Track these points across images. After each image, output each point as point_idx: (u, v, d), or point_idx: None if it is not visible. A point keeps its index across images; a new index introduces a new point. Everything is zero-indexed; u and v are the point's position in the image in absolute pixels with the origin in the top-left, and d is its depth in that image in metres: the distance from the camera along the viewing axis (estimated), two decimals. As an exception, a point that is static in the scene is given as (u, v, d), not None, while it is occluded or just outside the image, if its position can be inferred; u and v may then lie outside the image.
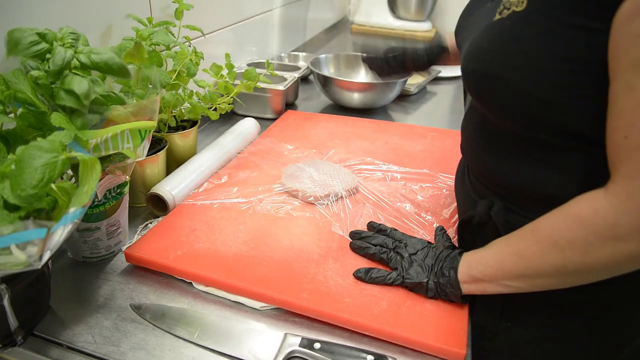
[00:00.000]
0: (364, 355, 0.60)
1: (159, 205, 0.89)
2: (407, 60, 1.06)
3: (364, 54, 1.11)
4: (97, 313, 0.67)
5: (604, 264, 0.55)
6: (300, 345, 0.61)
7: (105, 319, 0.66)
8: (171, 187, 0.88)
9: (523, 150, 0.64)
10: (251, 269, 0.72)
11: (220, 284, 0.70)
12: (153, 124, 0.70)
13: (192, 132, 1.00)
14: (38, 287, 0.64)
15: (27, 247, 0.50)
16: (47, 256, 0.52)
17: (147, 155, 0.87)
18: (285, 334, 0.63)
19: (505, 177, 0.68)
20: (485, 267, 0.64)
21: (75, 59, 0.62)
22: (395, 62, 1.07)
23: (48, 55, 0.62)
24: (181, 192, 0.89)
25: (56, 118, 0.56)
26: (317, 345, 0.60)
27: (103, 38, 0.90)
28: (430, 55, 1.05)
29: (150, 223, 0.86)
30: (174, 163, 0.99)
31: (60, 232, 0.53)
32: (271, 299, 0.67)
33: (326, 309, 0.65)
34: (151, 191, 0.87)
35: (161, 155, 0.92)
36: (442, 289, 0.67)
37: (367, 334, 0.64)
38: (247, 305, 0.69)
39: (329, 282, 0.70)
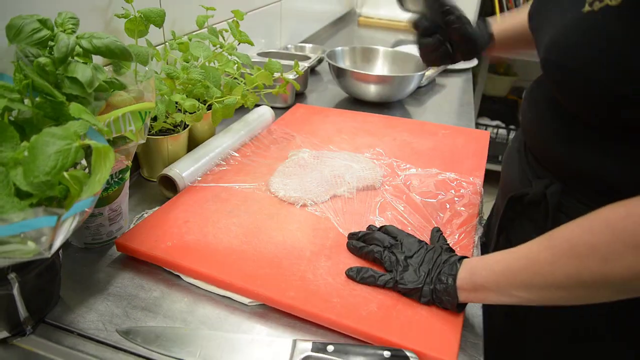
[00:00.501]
0: (380, 352, 0.58)
1: (169, 186, 0.91)
2: (461, 41, 0.92)
3: (417, 19, 0.95)
4: (107, 301, 0.68)
5: (622, 276, 0.51)
6: (313, 350, 0.59)
7: (115, 307, 0.66)
8: (182, 169, 0.90)
9: (598, 140, 0.62)
10: (240, 264, 0.71)
11: (208, 277, 0.70)
12: (152, 104, 0.70)
13: (210, 114, 1.01)
14: (48, 276, 0.64)
15: (37, 235, 0.50)
16: (57, 245, 0.52)
17: (172, 134, 0.93)
18: (294, 341, 0.60)
19: (572, 163, 0.66)
20: (489, 272, 0.61)
21: (77, 45, 0.63)
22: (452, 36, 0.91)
23: (51, 43, 0.62)
24: (192, 174, 0.91)
25: (75, 109, 0.56)
26: (330, 348, 0.58)
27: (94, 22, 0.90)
28: (482, 42, 0.94)
29: (146, 213, 0.86)
30: (192, 143, 1.02)
31: (71, 221, 0.53)
32: (257, 295, 0.67)
33: (312, 309, 0.64)
34: (162, 172, 0.89)
35: (183, 134, 0.95)
36: (438, 295, 0.65)
37: (353, 336, 0.63)
38: (235, 300, 0.69)
39: (318, 280, 0.69)
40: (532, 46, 0.92)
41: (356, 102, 1.42)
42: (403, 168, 0.99)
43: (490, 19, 0.98)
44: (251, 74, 1.06)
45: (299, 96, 1.46)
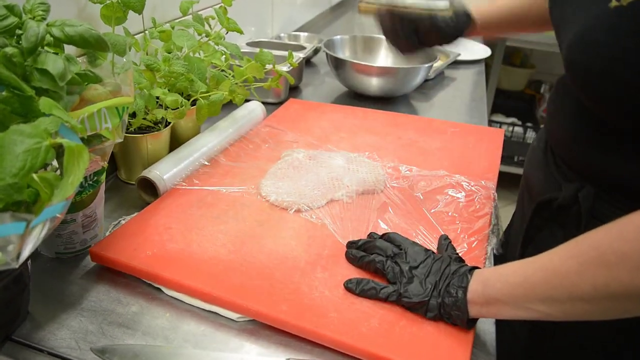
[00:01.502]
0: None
1: (149, 189, 0.91)
2: (430, 27, 1.00)
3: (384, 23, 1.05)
4: (80, 316, 0.68)
5: None
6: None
7: (90, 323, 0.67)
8: (163, 171, 0.90)
9: (631, 144, 0.63)
10: (227, 276, 0.71)
11: (192, 290, 0.70)
12: (130, 99, 0.70)
13: (194, 110, 1.02)
14: (15, 289, 0.64)
15: (3, 244, 0.50)
16: (25, 254, 0.52)
17: (153, 132, 0.93)
18: (288, 360, 0.61)
19: (605, 168, 0.67)
20: (504, 284, 0.61)
21: (48, 34, 0.63)
22: (409, 29, 1.01)
23: (18, 31, 0.62)
24: (174, 176, 0.91)
25: (45, 104, 0.56)
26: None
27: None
28: (458, 24, 1.00)
29: (123, 219, 0.87)
30: (175, 142, 1.03)
31: (41, 228, 0.53)
32: (246, 309, 0.67)
33: (306, 324, 0.64)
34: (141, 175, 0.89)
35: (165, 132, 0.96)
36: (446, 310, 0.65)
37: (352, 355, 0.63)
38: (222, 316, 0.69)
39: (313, 293, 0.69)
40: (520, 28, 0.98)
41: (356, 97, 1.43)
42: (408, 170, 1.00)
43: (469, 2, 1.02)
44: (240, 66, 1.07)
45: (293, 90, 1.46)
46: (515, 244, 0.90)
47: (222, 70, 1.07)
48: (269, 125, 1.16)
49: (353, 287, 0.70)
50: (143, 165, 0.95)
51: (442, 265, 0.69)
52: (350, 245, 0.78)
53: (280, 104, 1.33)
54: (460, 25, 1.01)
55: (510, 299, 0.60)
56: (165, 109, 0.94)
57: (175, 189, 0.90)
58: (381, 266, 0.71)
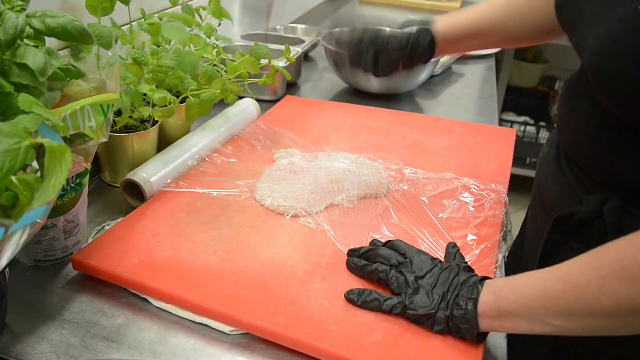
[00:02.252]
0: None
1: (136, 193, 0.91)
2: (383, 53, 1.01)
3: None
4: (62, 329, 0.68)
5: None
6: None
7: (72, 336, 0.67)
8: (150, 173, 0.90)
9: None
10: (220, 286, 0.72)
11: (182, 301, 0.70)
12: (116, 96, 0.71)
13: (184, 109, 1.02)
14: None
15: None
16: (3, 263, 0.52)
17: (139, 131, 0.94)
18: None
19: (631, 177, 0.67)
20: (519, 296, 0.61)
21: (27, 26, 0.63)
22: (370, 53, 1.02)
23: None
24: (162, 179, 0.92)
25: (25, 101, 0.56)
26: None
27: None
28: (415, 47, 1.00)
29: (108, 225, 0.87)
30: (163, 142, 1.03)
31: (20, 235, 0.53)
32: (239, 322, 0.67)
33: (305, 338, 0.65)
34: (127, 177, 0.90)
35: (153, 132, 0.96)
36: (455, 323, 0.65)
37: (353, 371, 0.64)
38: (214, 329, 0.69)
39: (312, 305, 0.70)
40: (486, 44, 1.00)
41: (358, 95, 1.43)
42: (413, 173, 1.00)
43: (437, 19, 1.02)
44: (234, 61, 1.07)
45: (291, 87, 1.47)
46: (529, 257, 0.89)
47: (214, 65, 1.07)
48: (265, 124, 1.16)
49: (355, 299, 0.70)
50: (129, 167, 0.95)
51: (451, 275, 0.69)
52: (352, 253, 0.78)
53: (276, 101, 1.34)
54: (420, 49, 1.01)
55: (526, 313, 0.60)
56: (153, 107, 0.94)
57: (164, 192, 0.91)
58: (385, 276, 0.72)
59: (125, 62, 0.90)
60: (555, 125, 0.91)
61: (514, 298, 0.62)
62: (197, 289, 0.71)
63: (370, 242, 0.80)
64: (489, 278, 0.68)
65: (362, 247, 0.78)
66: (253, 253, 0.78)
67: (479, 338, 0.65)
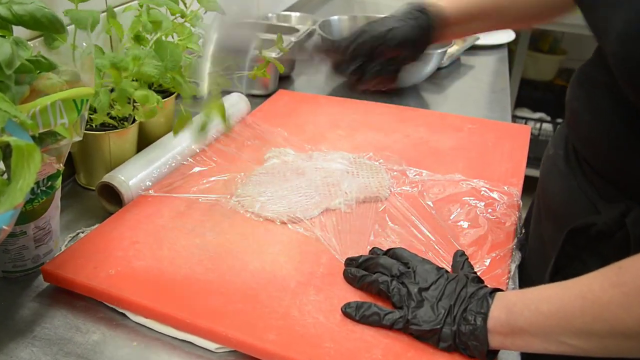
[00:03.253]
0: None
1: (113, 197, 0.91)
2: (381, 50, 0.92)
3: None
4: (32, 346, 0.68)
5: None
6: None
7: (43, 354, 0.67)
8: (128, 175, 0.90)
9: None
10: (204, 298, 0.72)
11: (163, 316, 0.70)
12: (90, 90, 0.70)
13: (168, 103, 1.02)
14: None
15: None
16: None
17: (117, 129, 0.93)
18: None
19: None
20: (533, 312, 0.61)
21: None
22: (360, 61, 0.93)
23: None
24: (142, 182, 0.92)
25: None
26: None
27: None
28: (417, 33, 0.92)
29: (82, 232, 0.87)
30: (144, 141, 1.03)
31: None
32: (226, 338, 0.67)
33: (297, 356, 0.65)
34: (103, 180, 0.89)
35: (132, 130, 0.96)
36: (462, 340, 0.65)
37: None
38: (198, 346, 0.69)
39: (306, 319, 0.69)
40: (490, 25, 0.96)
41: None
42: (417, 174, 1.00)
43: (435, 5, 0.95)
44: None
45: (284, 80, 1.47)
46: (533, 267, 0.89)
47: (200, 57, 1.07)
48: (255, 121, 1.16)
49: (352, 312, 0.70)
50: (105, 169, 0.95)
51: (458, 286, 0.69)
52: (350, 262, 0.78)
53: (267, 96, 1.34)
54: (423, 32, 0.93)
55: (541, 331, 0.60)
56: (133, 105, 0.94)
57: (143, 196, 0.91)
58: (385, 287, 0.71)
59: (103, 63, 0.89)
60: (562, 121, 0.90)
61: (527, 314, 0.61)
62: (180, 302, 0.71)
63: (370, 251, 0.80)
64: (500, 290, 0.68)
65: (360, 256, 0.78)
66: (241, 262, 0.78)
67: (489, 356, 0.65)
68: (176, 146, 0.99)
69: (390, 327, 0.68)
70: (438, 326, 0.66)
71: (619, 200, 0.71)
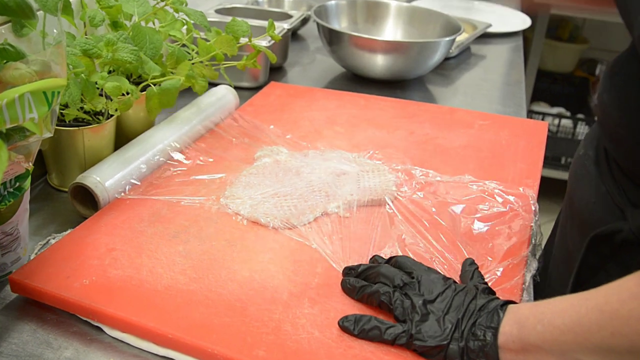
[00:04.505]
0: None
1: (87, 199, 0.91)
2: None
3: None
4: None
5: None
6: None
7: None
8: (104, 176, 0.90)
9: None
10: (188, 311, 0.72)
11: (141, 330, 0.70)
12: (63, 81, 0.70)
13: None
14: None
15: None
16: None
17: (92, 124, 0.93)
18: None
19: None
20: (547, 327, 0.61)
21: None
22: None
23: None
24: (119, 183, 0.92)
25: None
26: None
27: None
28: None
29: (53, 238, 0.87)
30: (122, 137, 1.03)
31: None
32: (212, 355, 0.67)
33: (290, 374, 0.65)
34: (76, 181, 0.89)
35: (108, 125, 0.95)
36: (471, 357, 0.65)
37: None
38: (181, 364, 0.69)
39: (299, 334, 0.70)
40: None
41: (357, 81, 1.43)
42: (423, 175, 1.01)
43: None
44: (207, 40, 1.07)
45: (275, 71, 1.47)
46: (557, 280, 0.89)
47: (183, 46, 1.07)
48: (244, 116, 1.17)
49: (350, 327, 0.70)
50: (80, 168, 0.95)
51: (467, 298, 0.69)
52: (348, 272, 0.78)
53: (257, 88, 1.34)
54: None
55: (556, 347, 0.61)
56: (107, 97, 0.94)
57: (121, 199, 0.91)
58: (387, 299, 0.72)
59: (74, 50, 0.89)
60: (595, 119, 0.90)
61: (540, 329, 0.62)
62: (161, 315, 0.71)
63: (370, 259, 0.80)
64: (512, 302, 0.68)
65: (360, 265, 0.78)
66: (228, 272, 0.78)
67: None
68: (157, 143, 0.99)
69: (392, 343, 0.69)
70: (444, 342, 0.66)
71: None
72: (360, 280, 0.75)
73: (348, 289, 0.76)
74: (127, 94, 0.93)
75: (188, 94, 1.10)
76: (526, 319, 0.64)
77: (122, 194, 0.91)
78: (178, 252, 0.81)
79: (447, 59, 1.57)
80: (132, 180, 0.94)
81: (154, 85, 0.97)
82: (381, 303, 0.72)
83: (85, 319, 0.73)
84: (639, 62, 0.71)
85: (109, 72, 0.95)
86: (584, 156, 0.87)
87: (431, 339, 0.67)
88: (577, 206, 0.85)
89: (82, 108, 0.94)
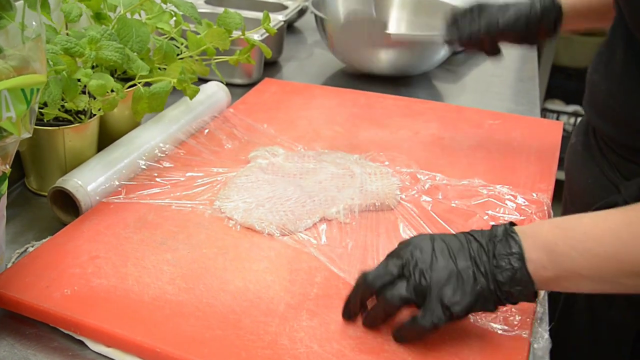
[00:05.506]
0: None
1: (68, 204, 0.91)
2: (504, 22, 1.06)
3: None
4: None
5: None
6: None
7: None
8: (86, 179, 0.90)
9: None
10: (177, 323, 0.72)
11: (127, 343, 0.70)
12: (42, 78, 0.70)
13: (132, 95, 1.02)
14: None
15: None
16: None
17: (72, 124, 0.93)
18: None
19: None
20: (585, 255, 0.64)
21: None
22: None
23: None
24: (103, 186, 0.92)
25: None
26: None
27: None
28: (533, 24, 1.05)
29: (32, 245, 0.87)
30: (105, 138, 1.03)
31: None
32: (203, 370, 0.68)
33: (287, 391, 0.65)
34: (56, 185, 0.89)
35: (91, 125, 0.95)
36: (504, 290, 0.66)
37: None
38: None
39: (297, 348, 0.70)
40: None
41: (357, 77, 1.43)
42: (429, 178, 1.01)
43: None
44: (197, 33, 1.08)
45: (270, 67, 1.47)
46: None
47: (172, 39, 1.08)
48: (236, 115, 1.17)
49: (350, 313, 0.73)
50: (60, 171, 0.95)
51: (462, 240, 0.70)
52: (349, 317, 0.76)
53: (251, 85, 1.34)
54: (545, 20, 1.04)
55: (596, 273, 0.64)
56: (90, 96, 0.94)
57: (105, 203, 0.91)
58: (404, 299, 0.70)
59: (54, 48, 0.89)
60: (583, 102, 0.95)
61: (576, 255, 0.64)
62: (148, 328, 0.71)
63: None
64: (512, 223, 0.70)
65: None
66: (220, 281, 0.79)
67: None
68: (143, 144, 1.00)
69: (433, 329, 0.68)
70: (478, 290, 0.66)
71: (638, 176, 0.76)
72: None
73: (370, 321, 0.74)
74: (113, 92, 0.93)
75: (177, 90, 1.10)
76: (554, 244, 0.65)
77: (106, 198, 0.92)
78: (166, 261, 0.81)
79: (454, 53, 1.57)
80: (117, 184, 0.94)
81: (142, 85, 0.96)
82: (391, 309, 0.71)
83: (67, 332, 0.73)
84: (622, 37, 0.76)
85: (92, 67, 0.95)
86: (575, 144, 0.93)
87: (461, 295, 0.67)
88: (576, 190, 0.90)
89: (63, 107, 0.94)
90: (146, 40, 0.95)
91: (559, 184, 1.04)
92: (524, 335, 0.71)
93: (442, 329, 0.68)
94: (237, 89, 1.31)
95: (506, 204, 0.96)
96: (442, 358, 0.69)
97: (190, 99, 1.04)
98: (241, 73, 1.37)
